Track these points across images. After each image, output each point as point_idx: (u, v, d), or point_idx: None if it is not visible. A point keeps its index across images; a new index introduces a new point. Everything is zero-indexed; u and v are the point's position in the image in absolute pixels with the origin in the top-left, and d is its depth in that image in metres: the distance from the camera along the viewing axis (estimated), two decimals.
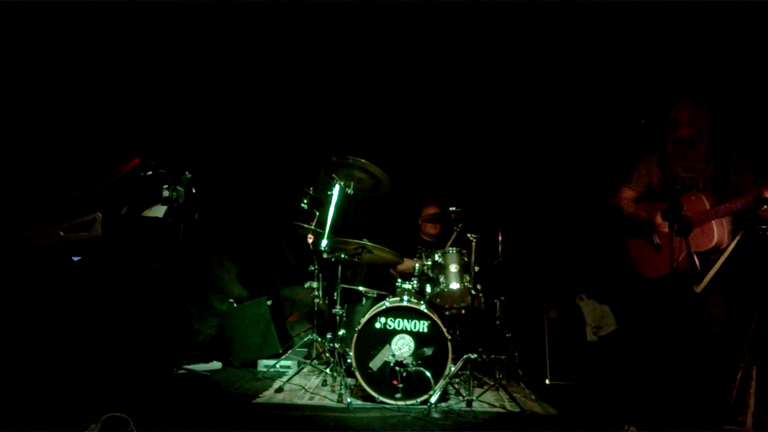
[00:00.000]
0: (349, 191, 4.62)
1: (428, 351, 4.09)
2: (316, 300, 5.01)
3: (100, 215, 3.51)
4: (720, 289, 3.35)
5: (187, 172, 4.06)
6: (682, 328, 3.57)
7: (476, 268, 4.50)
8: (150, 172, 3.92)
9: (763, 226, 3.08)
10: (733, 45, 4.75)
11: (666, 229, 3.55)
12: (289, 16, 5.45)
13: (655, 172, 3.79)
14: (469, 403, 4.05)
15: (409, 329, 4.14)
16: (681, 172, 3.70)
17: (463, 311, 4.62)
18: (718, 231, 3.48)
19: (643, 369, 3.90)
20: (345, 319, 4.62)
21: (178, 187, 3.92)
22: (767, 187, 3.29)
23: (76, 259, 3.64)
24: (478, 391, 4.32)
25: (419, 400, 3.98)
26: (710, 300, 3.50)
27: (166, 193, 3.86)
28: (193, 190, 4.03)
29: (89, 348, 3.75)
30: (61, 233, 3.51)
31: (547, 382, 4.98)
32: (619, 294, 5.17)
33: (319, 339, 4.89)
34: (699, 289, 3.22)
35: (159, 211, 3.88)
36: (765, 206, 3.32)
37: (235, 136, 5.97)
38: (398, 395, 3.97)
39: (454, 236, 4.81)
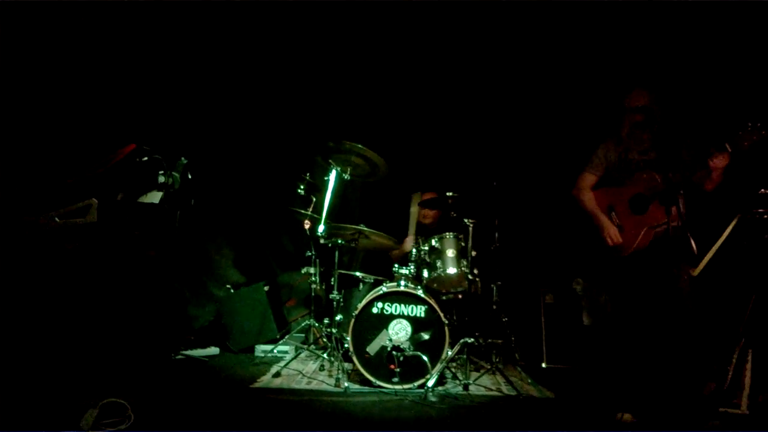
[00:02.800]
0: (346, 177, 4.61)
1: (425, 335, 4.10)
2: (314, 285, 5.02)
3: (96, 201, 3.49)
4: (717, 272, 3.39)
5: (183, 158, 4.04)
6: (660, 302, 3.64)
7: (473, 253, 4.51)
8: (145, 158, 3.89)
9: (760, 210, 3.10)
10: (679, 34, 4.97)
11: (616, 221, 3.85)
12: (284, 1, 5.41)
13: (612, 155, 3.99)
14: (465, 387, 4.08)
15: (406, 314, 4.15)
16: (636, 156, 3.87)
17: (460, 296, 4.64)
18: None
19: (638, 352, 3.92)
20: (342, 304, 4.63)
21: (174, 173, 3.90)
22: (712, 159, 3.43)
23: (73, 245, 3.64)
24: (474, 375, 4.34)
25: (416, 384, 4.00)
26: (676, 272, 3.59)
27: (161, 179, 3.84)
28: (189, 176, 4.01)
29: (86, 334, 3.75)
30: (57, 219, 3.49)
31: (544, 365, 5.01)
32: (609, 277, 5.20)
33: (317, 324, 4.91)
34: (696, 272, 3.26)
35: (155, 197, 3.86)
36: (699, 173, 3.52)
37: (231, 121, 5.94)
38: (395, 379, 3.99)
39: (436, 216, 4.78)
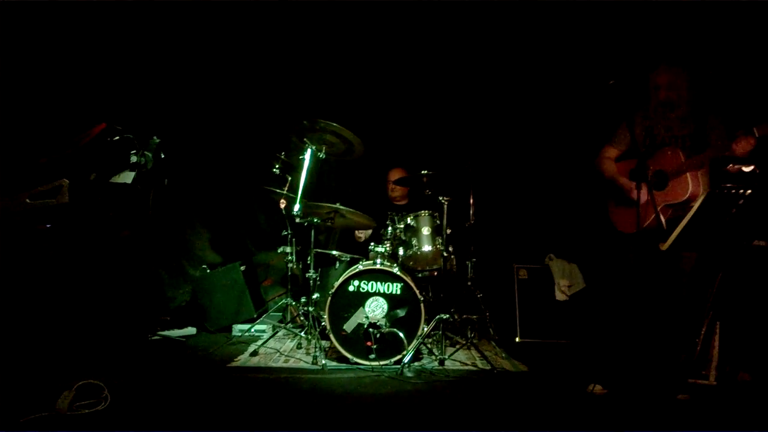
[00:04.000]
0: (321, 156, 4.60)
1: (401, 312, 4.15)
2: (290, 265, 5.03)
3: (67, 182, 3.44)
4: (686, 247, 3.44)
5: (155, 137, 3.98)
6: (653, 281, 3.67)
7: (448, 231, 4.55)
8: (117, 138, 3.83)
9: (728, 185, 3.15)
10: (708, 12, 4.77)
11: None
12: None
13: (638, 128, 3.81)
14: (441, 362, 4.15)
15: (382, 291, 4.19)
16: (662, 131, 3.76)
17: (436, 273, 4.68)
18: (693, 183, 3.57)
19: (610, 326, 4.01)
20: (319, 282, 4.66)
21: (146, 153, 3.84)
22: (737, 143, 3.37)
23: (45, 226, 3.58)
24: (450, 350, 4.42)
25: (393, 360, 4.06)
26: (681, 255, 3.60)
27: (133, 159, 3.78)
28: (162, 156, 3.96)
29: (61, 316, 3.72)
30: (28, 201, 3.44)
31: (517, 340, 5.10)
32: (587, 252, 5.28)
33: (294, 303, 4.92)
34: (664, 246, 3.30)
35: (127, 177, 3.81)
36: (731, 163, 3.43)
37: (204, 99, 5.86)
38: (372, 356, 4.04)
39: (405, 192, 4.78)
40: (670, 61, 3.76)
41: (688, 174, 3.58)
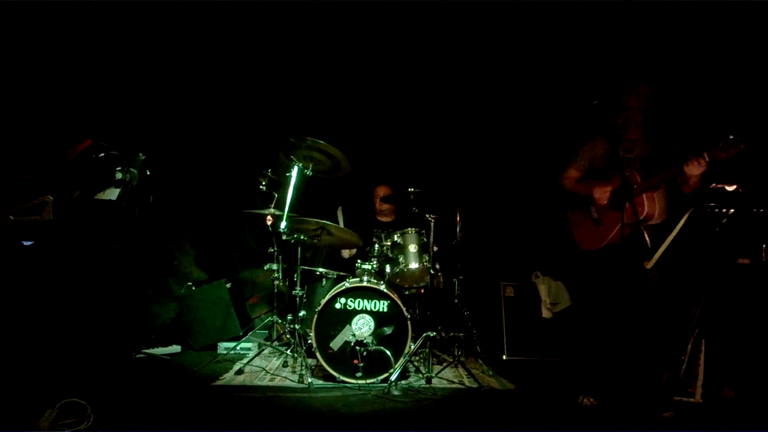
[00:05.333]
0: (308, 173, 4.60)
1: (388, 330, 4.14)
2: (277, 282, 4.99)
3: (51, 198, 3.41)
4: (670, 266, 3.48)
5: (141, 154, 3.97)
6: (624, 296, 3.73)
7: (435, 248, 4.56)
8: (102, 154, 3.81)
9: (711, 204, 3.19)
10: (672, 31, 4.98)
11: (603, 203, 3.81)
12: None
13: (597, 151, 4.00)
14: (428, 380, 4.13)
15: (369, 309, 4.18)
16: (622, 153, 3.87)
17: (423, 290, 4.69)
18: (648, 204, 3.68)
19: (596, 343, 4.02)
20: (305, 300, 4.63)
21: (132, 169, 3.83)
22: (687, 166, 3.46)
23: (27, 243, 3.55)
24: (437, 368, 4.41)
25: (379, 378, 4.04)
26: (645, 267, 3.66)
27: (119, 176, 3.76)
28: (148, 172, 3.95)
29: (44, 333, 3.67)
30: (11, 217, 3.40)
31: (505, 357, 5.10)
32: (570, 270, 5.31)
33: (280, 321, 4.89)
34: (649, 265, 3.34)
35: (112, 193, 3.78)
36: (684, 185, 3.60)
37: (191, 116, 5.85)
38: (359, 374, 4.02)
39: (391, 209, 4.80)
40: (631, 83, 3.84)
41: (644, 195, 3.68)
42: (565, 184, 4.13)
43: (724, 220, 3.11)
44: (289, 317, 4.66)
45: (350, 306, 4.19)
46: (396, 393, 3.88)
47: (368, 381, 4.02)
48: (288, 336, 4.81)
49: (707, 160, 3.41)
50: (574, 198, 4.07)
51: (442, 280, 4.72)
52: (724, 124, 4.20)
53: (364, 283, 4.25)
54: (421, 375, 4.26)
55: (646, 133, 3.81)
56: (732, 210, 3.11)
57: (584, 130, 4.14)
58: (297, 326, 4.43)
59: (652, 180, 3.64)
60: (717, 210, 3.15)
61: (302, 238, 4.58)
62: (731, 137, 3.34)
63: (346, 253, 5.51)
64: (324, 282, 4.88)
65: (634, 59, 5.09)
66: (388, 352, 4.02)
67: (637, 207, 3.64)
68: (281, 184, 4.80)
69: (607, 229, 3.81)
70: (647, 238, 3.60)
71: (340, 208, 5.71)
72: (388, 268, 4.58)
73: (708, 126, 4.36)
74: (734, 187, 3.43)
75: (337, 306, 4.19)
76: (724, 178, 3.58)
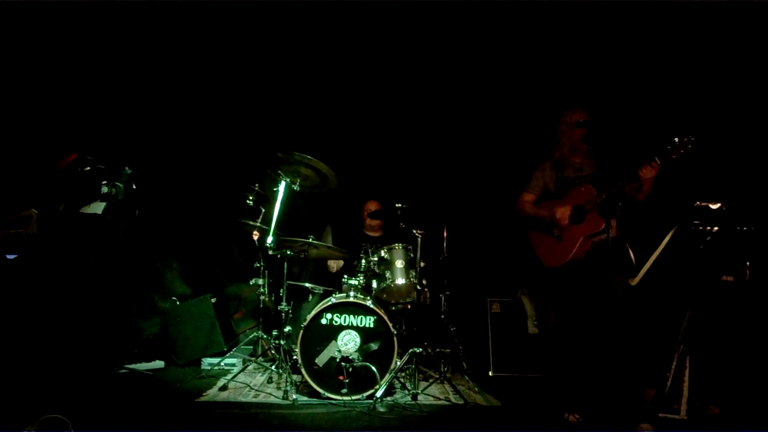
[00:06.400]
0: (296, 188, 4.59)
1: (374, 346, 4.12)
2: (262, 297, 4.97)
3: (36, 212, 3.39)
4: (655, 283, 3.51)
5: (127, 168, 3.95)
6: (594, 309, 3.77)
7: (422, 264, 4.56)
8: (88, 168, 3.79)
9: (696, 222, 3.23)
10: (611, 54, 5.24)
11: (565, 222, 3.92)
12: (232, 10, 5.36)
13: (548, 175, 4.15)
14: (414, 397, 4.10)
15: (355, 325, 4.16)
16: (572, 173, 4.04)
17: (409, 306, 4.68)
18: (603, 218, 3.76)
19: (580, 359, 4.03)
20: (291, 315, 4.60)
21: (117, 183, 3.81)
22: (641, 170, 3.60)
23: (11, 257, 3.51)
24: (423, 384, 4.38)
25: (365, 394, 4.01)
26: (611, 281, 3.73)
27: (104, 190, 3.74)
28: (134, 186, 3.92)
29: (25, 347, 3.62)
30: None
31: (491, 374, 5.09)
32: (555, 285, 5.34)
33: (265, 336, 4.86)
34: (634, 282, 3.37)
35: (98, 207, 3.76)
36: (632, 185, 3.68)
37: (177, 130, 5.84)
38: (344, 390, 3.99)
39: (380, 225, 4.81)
40: (577, 102, 4.03)
41: (596, 210, 3.80)
42: (526, 209, 4.22)
43: (708, 238, 3.14)
44: (275, 333, 4.64)
45: (336, 321, 4.17)
46: (382, 409, 3.85)
47: (353, 397, 3.99)
48: (273, 352, 4.79)
49: (659, 162, 3.56)
50: (534, 221, 4.15)
51: (428, 295, 4.71)
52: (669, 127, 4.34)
53: (351, 299, 4.23)
54: (407, 391, 4.24)
55: (591, 153, 3.96)
56: (716, 228, 3.16)
57: (535, 155, 4.29)
58: (282, 342, 4.40)
59: (614, 189, 3.72)
60: (701, 228, 3.19)
61: (288, 253, 4.57)
62: (676, 139, 3.49)
63: (333, 267, 5.50)
64: (310, 297, 4.86)
65: (570, 84, 5.34)
66: (374, 368, 4.00)
67: (597, 218, 3.78)
68: (268, 199, 4.79)
69: (568, 244, 3.89)
70: (632, 255, 3.66)
71: (329, 225, 5.71)
72: (374, 284, 4.57)
73: (651, 135, 4.49)
74: (718, 205, 3.48)
75: (323, 321, 4.16)
76: (676, 181, 3.89)
